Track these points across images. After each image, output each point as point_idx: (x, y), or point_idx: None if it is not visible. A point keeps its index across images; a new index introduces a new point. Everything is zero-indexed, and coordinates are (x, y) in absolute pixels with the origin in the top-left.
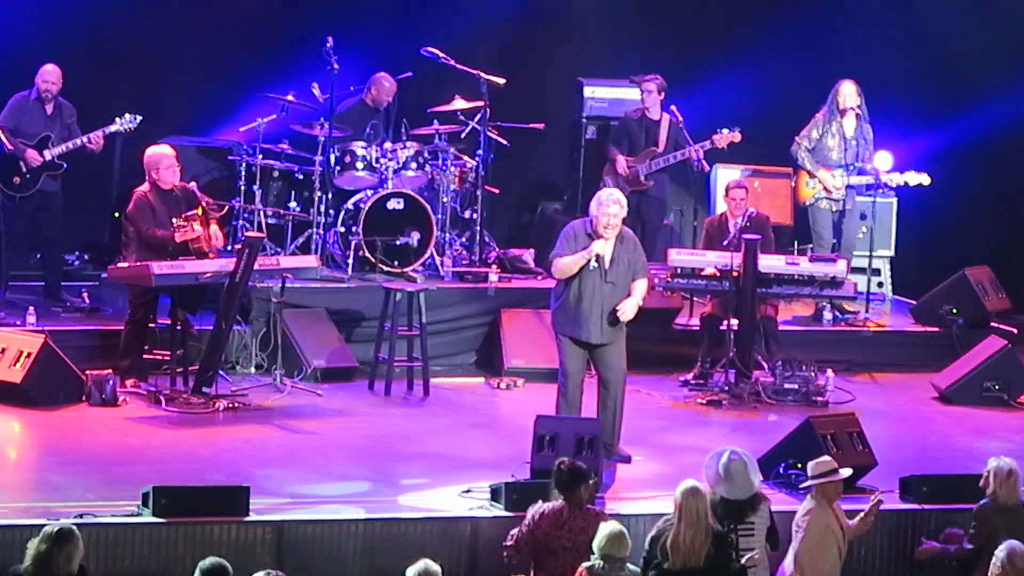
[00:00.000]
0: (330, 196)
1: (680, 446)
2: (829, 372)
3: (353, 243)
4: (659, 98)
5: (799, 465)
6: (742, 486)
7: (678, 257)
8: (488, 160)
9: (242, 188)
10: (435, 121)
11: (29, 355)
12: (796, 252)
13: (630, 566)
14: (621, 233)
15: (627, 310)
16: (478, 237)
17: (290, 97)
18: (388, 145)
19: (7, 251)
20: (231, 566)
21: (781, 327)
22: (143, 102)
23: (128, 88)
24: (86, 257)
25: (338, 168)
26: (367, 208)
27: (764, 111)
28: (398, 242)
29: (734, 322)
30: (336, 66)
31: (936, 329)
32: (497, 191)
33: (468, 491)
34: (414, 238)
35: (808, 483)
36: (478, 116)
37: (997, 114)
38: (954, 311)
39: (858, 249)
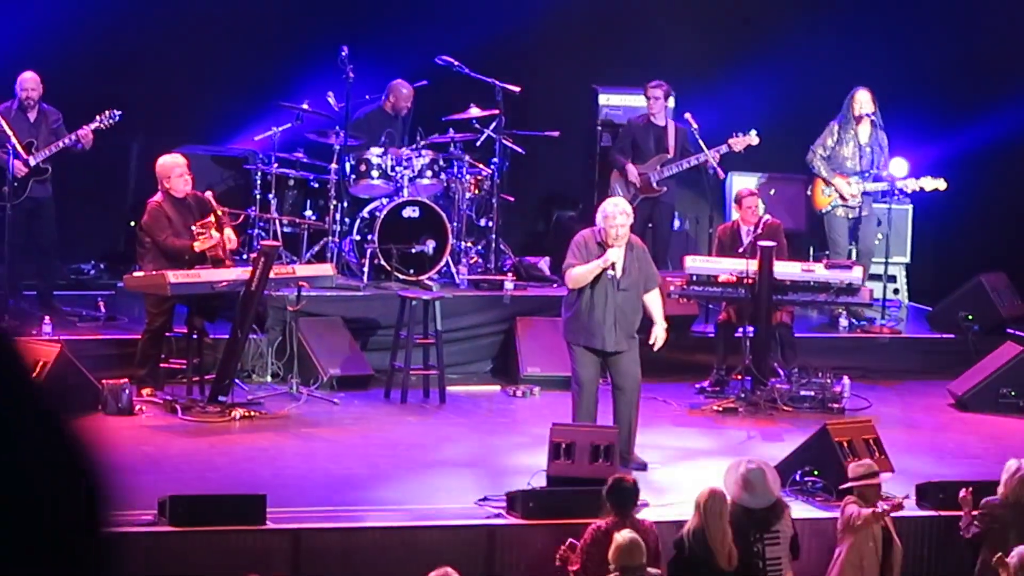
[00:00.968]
0: (345, 204)
1: (696, 453)
2: (845, 379)
3: (369, 251)
4: (665, 104)
5: (816, 472)
6: (762, 494)
7: (694, 264)
8: (503, 168)
9: (257, 197)
10: (450, 129)
11: (45, 364)
12: (812, 259)
13: (651, 570)
14: (630, 241)
15: (659, 338)
16: (493, 245)
17: (305, 106)
18: (405, 151)
19: (13, 261)
20: (249, 575)
21: (797, 334)
22: (158, 112)
23: (143, 98)
24: (102, 266)
25: (353, 176)
26: (382, 216)
27: (779, 118)
28: (413, 250)
29: (749, 329)
30: (351, 75)
31: (952, 336)
32: (512, 199)
33: (485, 499)
34: (429, 246)
35: (848, 485)
36: (493, 124)
37: (1013, 120)
38: (970, 317)
39: (875, 256)
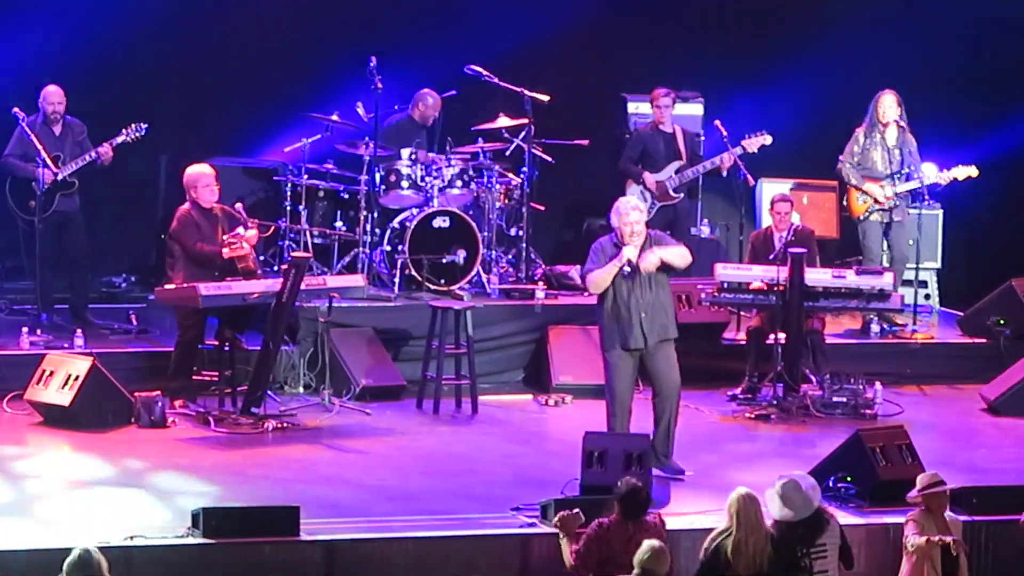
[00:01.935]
0: (376, 215)
1: (729, 460)
2: (877, 385)
3: (399, 262)
4: (672, 111)
5: (849, 478)
6: (800, 505)
7: (724, 272)
8: (533, 177)
9: (288, 208)
10: (479, 139)
11: (78, 378)
12: (842, 265)
13: None
14: (648, 236)
15: (648, 259)
16: (524, 254)
17: (334, 117)
18: (432, 156)
19: (44, 275)
20: None
21: (829, 340)
22: (188, 124)
23: (172, 110)
24: (133, 279)
25: (383, 187)
26: (413, 227)
27: (808, 125)
28: (444, 260)
29: (781, 336)
30: (380, 85)
31: (984, 340)
32: (542, 208)
33: (518, 508)
34: (460, 256)
35: (914, 493)
36: (522, 133)
37: None
38: (1001, 322)
39: (909, 261)
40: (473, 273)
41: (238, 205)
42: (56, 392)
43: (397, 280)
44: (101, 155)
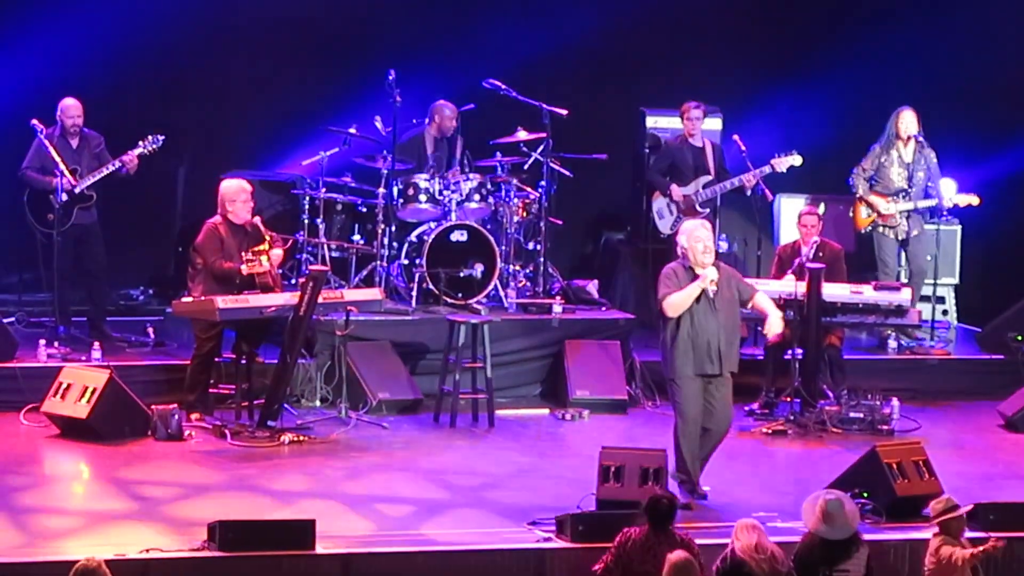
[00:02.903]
0: (393, 229)
1: (746, 476)
2: (894, 401)
3: (417, 275)
4: (702, 124)
5: (865, 494)
6: (842, 526)
7: None
8: (551, 191)
9: (305, 222)
10: (498, 153)
11: (95, 390)
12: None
13: None
14: (717, 263)
15: (775, 326)
16: (542, 268)
17: (352, 130)
18: (454, 173)
19: (62, 288)
20: None
21: (846, 356)
22: (206, 137)
23: (190, 123)
24: (151, 292)
25: (401, 200)
26: (430, 240)
27: (826, 140)
28: (462, 274)
29: (799, 351)
30: (398, 99)
31: (1001, 357)
32: (560, 222)
33: (534, 523)
34: (478, 270)
35: (933, 522)
36: (541, 147)
37: None
38: (1019, 338)
39: (927, 276)
40: (491, 287)
41: (256, 219)
42: (73, 405)
43: (415, 294)
44: (126, 163)
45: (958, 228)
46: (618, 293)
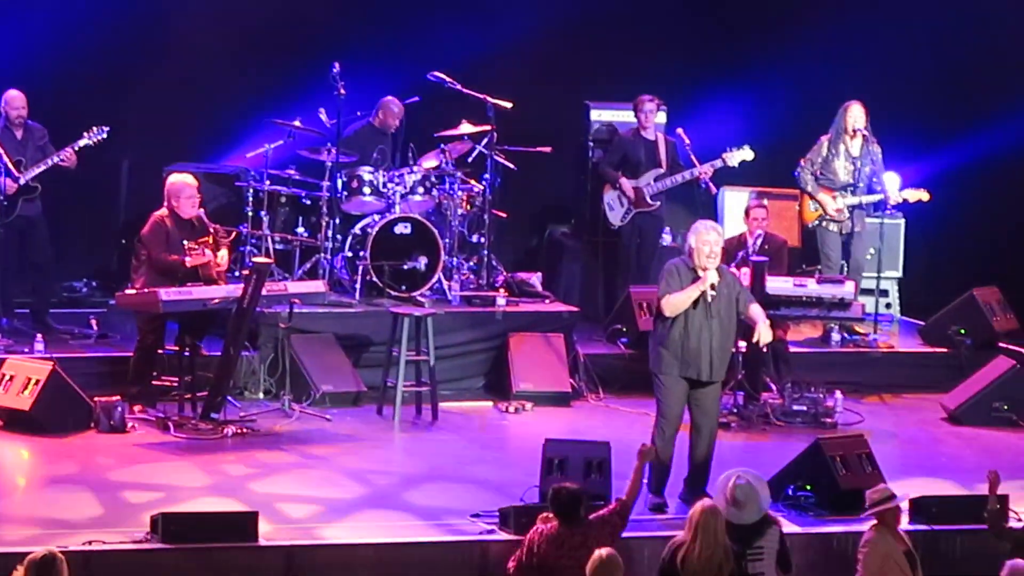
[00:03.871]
0: (337, 221)
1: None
2: (838, 394)
3: (360, 268)
4: (655, 118)
5: (808, 487)
6: (749, 511)
7: None
8: (495, 184)
9: (249, 214)
10: (442, 145)
11: (38, 382)
12: (803, 273)
13: None
14: (719, 267)
15: (764, 334)
16: (486, 261)
17: (297, 123)
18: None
19: (5, 280)
20: None
21: (789, 349)
22: (150, 129)
23: (134, 115)
24: (94, 284)
25: (345, 193)
26: (374, 233)
27: (771, 134)
28: (405, 267)
29: (742, 344)
30: (343, 91)
31: (945, 350)
32: (504, 215)
33: (478, 515)
34: (421, 263)
35: (868, 512)
36: (485, 140)
37: (1005, 133)
38: (962, 332)
39: (867, 270)
40: (434, 280)
41: (200, 211)
42: (16, 397)
43: (358, 286)
44: (65, 159)
45: (901, 222)
46: (562, 286)
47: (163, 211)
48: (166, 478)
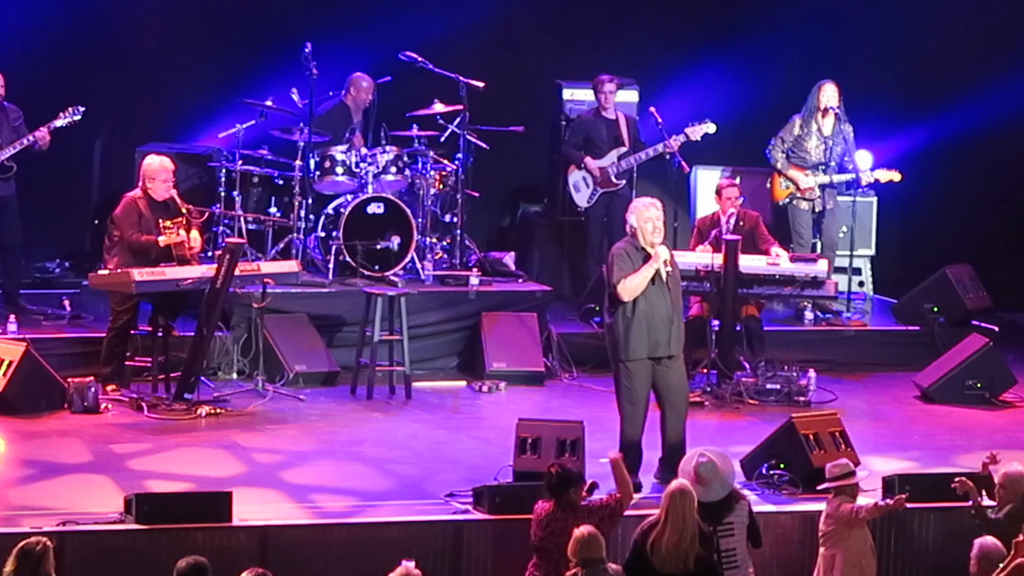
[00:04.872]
0: (310, 201)
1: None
2: (811, 372)
3: (334, 248)
4: (615, 97)
5: (782, 465)
6: (714, 489)
7: None
8: (468, 163)
9: (222, 194)
10: (414, 125)
11: (11, 363)
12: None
13: (611, 565)
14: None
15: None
16: (458, 240)
17: (269, 103)
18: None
19: None
20: (215, 572)
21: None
22: (122, 109)
23: (106, 95)
24: (67, 265)
25: (318, 173)
26: (347, 213)
27: (742, 112)
28: (379, 246)
29: (715, 322)
30: (315, 71)
31: (917, 328)
32: (477, 194)
33: (451, 495)
34: (394, 242)
35: (825, 485)
36: (457, 120)
37: (977, 112)
38: (935, 309)
39: (840, 248)
40: (407, 259)
41: (173, 192)
42: None
43: (331, 266)
44: (39, 139)
45: (874, 200)
46: (535, 265)
47: (136, 192)
48: (139, 459)
